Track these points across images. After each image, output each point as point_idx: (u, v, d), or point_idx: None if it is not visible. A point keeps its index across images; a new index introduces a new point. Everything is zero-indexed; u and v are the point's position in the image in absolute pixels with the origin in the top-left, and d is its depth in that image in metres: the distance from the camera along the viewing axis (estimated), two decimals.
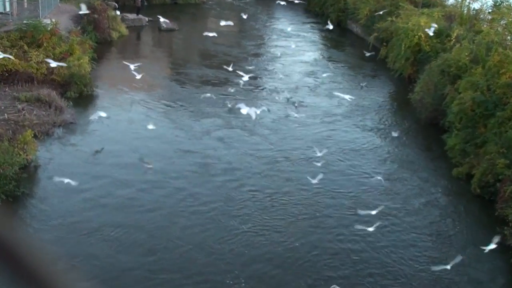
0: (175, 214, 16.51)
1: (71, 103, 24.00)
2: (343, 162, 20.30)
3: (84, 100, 25.31)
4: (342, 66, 31.70)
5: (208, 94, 23.85)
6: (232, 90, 26.19)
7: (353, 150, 21.21)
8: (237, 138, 21.94)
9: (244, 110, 19.75)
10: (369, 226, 15.21)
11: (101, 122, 22.99)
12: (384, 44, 31.54)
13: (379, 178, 18.62)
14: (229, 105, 23.89)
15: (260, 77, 29.19)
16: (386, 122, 24.51)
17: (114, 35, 34.39)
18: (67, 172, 18.81)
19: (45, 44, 26.33)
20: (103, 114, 20.93)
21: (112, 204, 16.80)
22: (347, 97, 22.54)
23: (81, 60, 26.06)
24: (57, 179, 17.04)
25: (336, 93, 24.85)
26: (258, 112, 20.04)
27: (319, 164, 18.85)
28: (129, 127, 22.64)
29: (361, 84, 27.57)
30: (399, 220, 16.80)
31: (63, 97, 24.20)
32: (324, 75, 29.24)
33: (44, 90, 23.86)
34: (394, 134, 22.70)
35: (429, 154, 21.68)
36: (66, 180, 16.40)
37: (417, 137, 23.52)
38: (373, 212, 15.78)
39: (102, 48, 31.99)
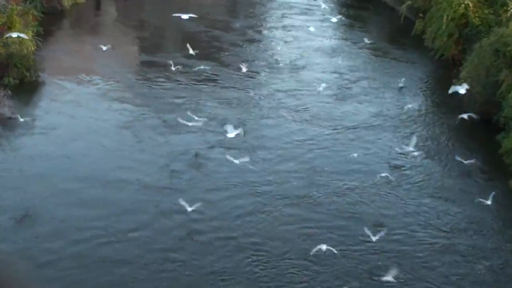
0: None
1: (9, 92, 23.87)
2: (373, 200, 19.02)
3: (26, 88, 25.16)
4: (367, 52, 31.30)
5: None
6: (220, 94, 25.54)
7: (386, 182, 19.90)
8: (219, 166, 20.46)
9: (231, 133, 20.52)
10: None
11: (47, 119, 22.79)
12: (421, 15, 31.49)
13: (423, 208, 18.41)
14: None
15: (261, 74, 28.19)
16: (424, 121, 24.36)
17: (66, 3, 34.27)
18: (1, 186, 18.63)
19: None
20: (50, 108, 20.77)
21: (41, 259, 16.03)
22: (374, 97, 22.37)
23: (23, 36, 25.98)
24: None
25: (362, 96, 24.94)
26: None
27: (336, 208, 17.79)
28: (81, 132, 22.17)
29: (399, 85, 26.95)
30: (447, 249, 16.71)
31: None
32: (346, 68, 28.82)
33: None
34: (434, 138, 22.61)
35: (479, 159, 21.60)
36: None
37: (464, 137, 23.42)
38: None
39: (51, 20, 31.88)
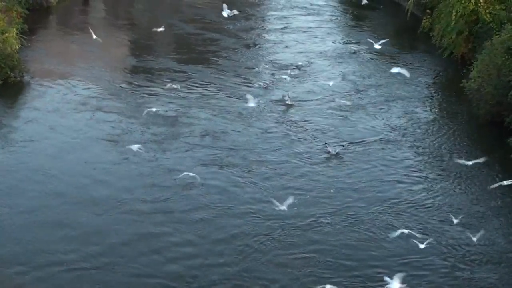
0: None
1: None
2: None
3: (9, 90, 25.17)
4: (372, 54, 30.87)
5: None
6: (215, 104, 24.64)
7: (397, 203, 19.07)
8: (211, 185, 19.37)
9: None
10: None
11: (27, 130, 22.30)
12: (428, 11, 31.51)
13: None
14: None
15: (260, 83, 27.16)
16: (433, 128, 24.12)
17: None
18: None
19: None
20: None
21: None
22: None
23: (7, 34, 25.97)
24: None
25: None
26: None
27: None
28: (60, 145, 21.49)
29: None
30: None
31: None
32: (351, 74, 28.25)
33: None
34: (444, 147, 22.46)
35: (490, 165, 21.57)
36: None
37: (473, 140, 23.49)
38: None
39: (36, 17, 31.89)
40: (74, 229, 17.27)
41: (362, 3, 29.14)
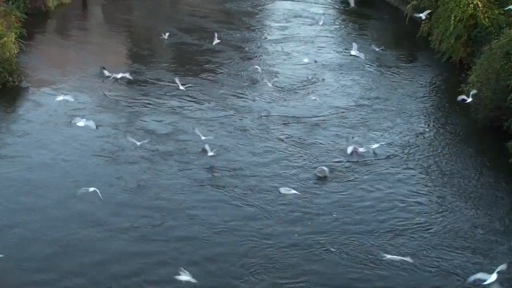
0: None
1: None
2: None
3: (8, 94, 25.21)
4: (371, 62, 30.60)
5: None
6: (213, 120, 24.06)
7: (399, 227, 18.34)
8: (205, 208, 18.51)
9: None
10: None
11: (18, 144, 21.91)
12: (427, 16, 31.62)
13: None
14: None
15: (256, 97, 26.54)
16: (428, 128, 24.26)
17: (51, 3, 34.41)
18: None
19: None
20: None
21: None
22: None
23: (5, 39, 26.06)
24: None
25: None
26: None
27: None
28: (51, 161, 20.89)
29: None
30: None
31: None
32: (352, 87, 27.81)
33: None
34: (440, 149, 22.45)
35: (488, 170, 21.59)
36: None
37: (471, 145, 23.45)
38: None
39: (35, 21, 31.94)
40: (56, 247, 16.78)
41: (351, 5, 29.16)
